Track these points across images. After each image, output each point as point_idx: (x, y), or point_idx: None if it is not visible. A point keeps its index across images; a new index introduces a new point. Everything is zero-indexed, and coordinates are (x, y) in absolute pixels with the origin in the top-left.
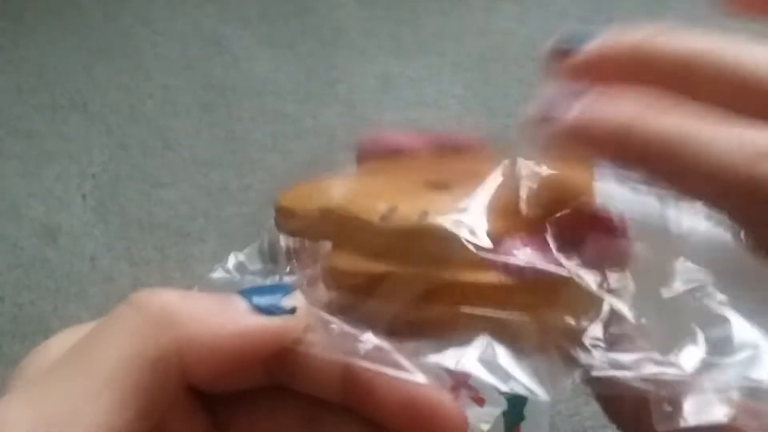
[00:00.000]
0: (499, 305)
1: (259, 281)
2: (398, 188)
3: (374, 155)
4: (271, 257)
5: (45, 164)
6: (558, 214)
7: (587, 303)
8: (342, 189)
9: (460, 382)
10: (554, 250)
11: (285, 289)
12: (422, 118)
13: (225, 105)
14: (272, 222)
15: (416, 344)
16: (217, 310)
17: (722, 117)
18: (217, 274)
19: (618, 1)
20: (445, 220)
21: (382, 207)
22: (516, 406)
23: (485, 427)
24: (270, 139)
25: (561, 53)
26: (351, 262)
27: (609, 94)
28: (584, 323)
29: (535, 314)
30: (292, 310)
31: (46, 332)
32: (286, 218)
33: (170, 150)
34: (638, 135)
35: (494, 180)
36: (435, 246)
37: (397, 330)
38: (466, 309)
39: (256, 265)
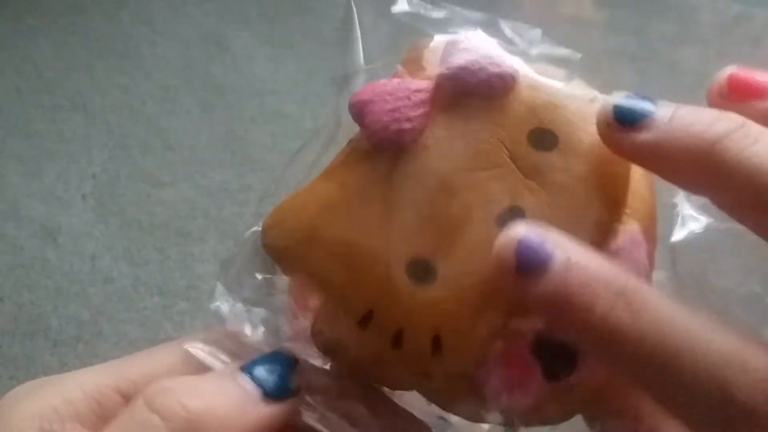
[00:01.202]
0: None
1: (252, 302)
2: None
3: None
4: (265, 267)
5: (45, 164)
6: None
7: None
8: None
9: None
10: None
11: (287, 362)
12: None
13: (225, 105)
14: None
15: None
16: (235, 409)
17: None
18: (221, 305)
19: (618, 0)
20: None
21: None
22: None
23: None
24: (270, 139)
25: (621, 124)
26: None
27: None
28: None
29: None
30: (298, 389)
31: (46, 332)
32: (269, 242)
33: (170, 150)
34: (728, 158)
35: None
36: None
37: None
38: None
39: (253, 280)
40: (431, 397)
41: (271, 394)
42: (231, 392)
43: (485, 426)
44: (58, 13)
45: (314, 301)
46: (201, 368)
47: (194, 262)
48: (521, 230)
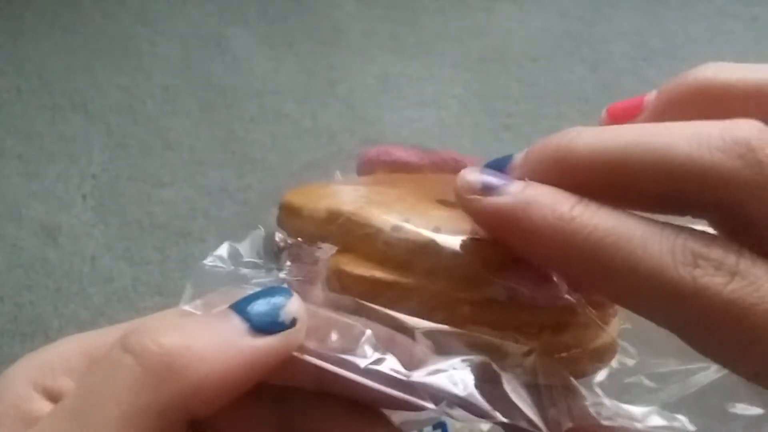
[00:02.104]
0: (502, 327)
1: (251, 275)
2: (410, 202)
3: (378, 167)
4: (266, 252)
5: (45, 164)
6: None
7: (593, 337)
8: (352, 195)
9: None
10: (558, 282)
11: (281, 293)
12: (422, 118)
13: (225, 105)
14: (272, 219)
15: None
16: (217, 344)
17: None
18: (210, 261)
19: (618, 1)
20: (457, 240)
21: (394, 218)
22: None
23: (485, 426)
24: (270, 139)
25: (486, 188)
26: (359, 267)
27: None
28: (595, 365)
29: (542, 340)
30: (293, 323)
31: (46, 332)
32: (290, 216)
33: (170, 150)
34: (569, 232)
35: None
36: (444, 262)
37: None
38: (472, 328)
39: (251, 258)
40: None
41: (259, 327)
42: (214, 327)
43: (485, 427)
44: (58, 13)
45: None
46: None
47: (194, 262)
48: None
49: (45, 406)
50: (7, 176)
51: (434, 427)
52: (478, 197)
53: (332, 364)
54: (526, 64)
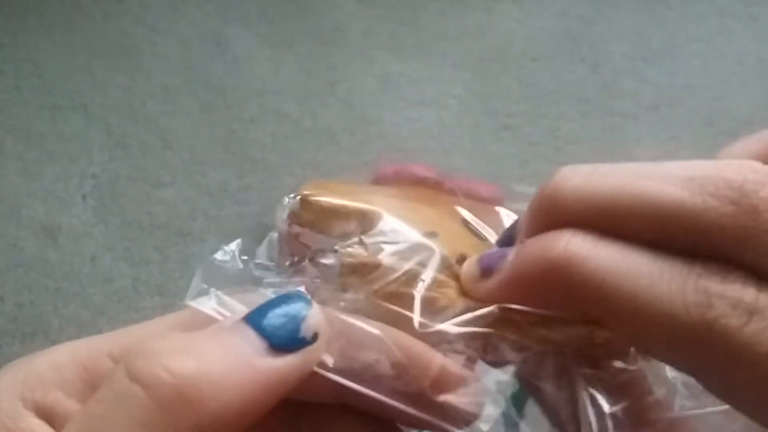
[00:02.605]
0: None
1: (263, 275)
2: (437, 216)
3: (396, 181)
4: (281, 254)
5: (45, 164)
6: None
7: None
8: (378, 196)
9: None
10: None
11: (298, 301)
12: (422, 118)
13: (225, 105)
14: (284, 217)
15: None
16: (233, 368)
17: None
18: (221, 256)
19: (618, 1)
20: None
21: (422, 227)
22: (516, 406)
23: (485, 426)
24: (270, 139)
25: (484, 272)
26: (326, 195)
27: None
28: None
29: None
30: (314, 338)
31: (46, 332)
32: (309, 208)
33: (170, 150)
34: (571, 272)
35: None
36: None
37: None
38: (506, 332)
39: (263, 261)
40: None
41: (279, 345)
42: (229, 347)
43: (485, 427)
44: (58, 13)
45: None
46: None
47: (194, 262)
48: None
49: (36, 425)
50: (7, 176)
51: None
52: (479, 284)
53: (353, 380)
54: (526, 64)
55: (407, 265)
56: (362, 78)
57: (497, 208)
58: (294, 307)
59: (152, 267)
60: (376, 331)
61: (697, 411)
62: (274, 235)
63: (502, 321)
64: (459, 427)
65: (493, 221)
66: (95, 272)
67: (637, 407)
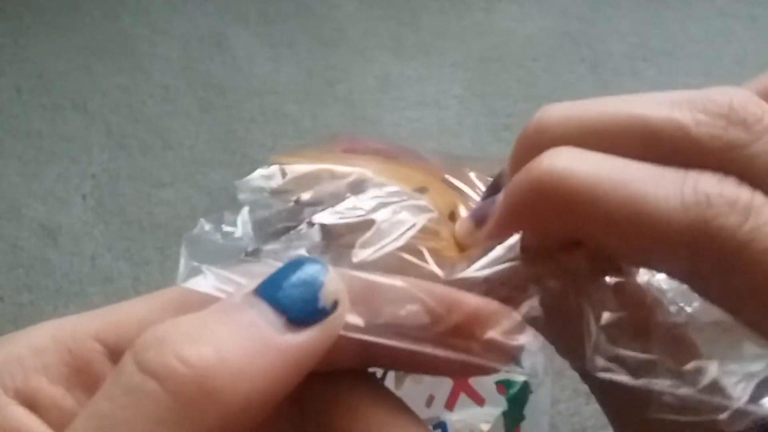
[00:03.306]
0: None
1: (256, 246)
2: (419, 174)
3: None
4: (268, 224)
5: (45, 164)
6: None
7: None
8: (357, 160)
9: (461, 385)
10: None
11: (313, 266)
12: (422, 118)
13: (225, 105)
14: (261, 186)
15: None
16: (254, 351)
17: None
18: (200, 230)
19: (618, 1)
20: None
21: (409, 184)
22: (516, 405)
23: (485, 427)
24: (270, 139)
25: (478, 221)
26: (302, 160)
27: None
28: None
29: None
30: (334, 306)
31: None
32: (289, 176)
33: (170, 150)
34: (561, 185)
35: None
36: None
37: None
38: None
39: (248, 231)
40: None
41: (299, 319)
42: (245, 328)
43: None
44: (58, 13)
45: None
46: (207, 304)
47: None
48: None
49: (22, 414)
50: (7, 176)
51: (434, 428)
52: (476, 235)
53: (388, 337)
54: (526, 64)
55: (406, 221)
56: (362, 78)
57: (470, 173)
58: (309, 273)
59: (152, 267)
60: (400, 283)
61: (695, 317)
62: (246, 210)
63: (516, 261)
64: (506, 363)
65: (468, 183)
66: (95, 272)
67: (636, 317)
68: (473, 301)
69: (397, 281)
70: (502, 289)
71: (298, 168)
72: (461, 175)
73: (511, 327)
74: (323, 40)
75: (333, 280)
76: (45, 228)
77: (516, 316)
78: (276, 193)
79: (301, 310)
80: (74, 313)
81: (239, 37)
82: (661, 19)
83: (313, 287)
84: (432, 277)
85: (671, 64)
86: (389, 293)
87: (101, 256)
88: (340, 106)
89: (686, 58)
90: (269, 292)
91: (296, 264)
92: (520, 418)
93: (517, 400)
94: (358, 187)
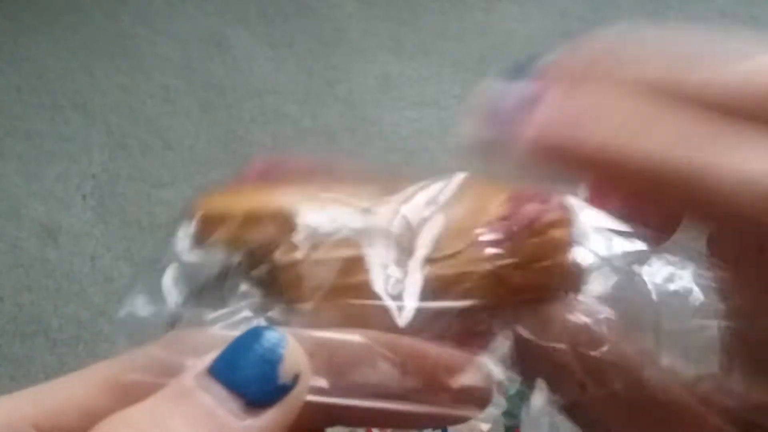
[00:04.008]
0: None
1: (195, 313)
2: (357, 190)
3: (264, 176)
4: (199, 284)
5: (45, 164)
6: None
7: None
8: (282, 192)
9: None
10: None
11: (268, 337)
12: (422, 118)
13: (225, 105)
14: (186, 246)
15: None
16: None
17: (716, 128)
18: (130, 309)
19: (618, 1)
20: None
21: (350, 206)
22: (516, 406)
23: (485, 427)
24: (270, 139)
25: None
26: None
27: (576, 97)
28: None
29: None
30: (295, 380)
31: (46, 332)
32: (213, 226)
33: (170, 150)
34: (625, 158)
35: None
36: None
37: None
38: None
39: (176, 295)
40: None
41: (257, 400)
42: (201, 417)
43: (485, 427)
44: (58, 12)
45: None
46: (144, 384)
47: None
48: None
49: None
50: (7, 176)
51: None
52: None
53: (346, 396)
54: None
55: (348, 253)
56: (362, 78)
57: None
58: (266, 348)
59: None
60: (360, 339)
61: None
62: (173, 270)
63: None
64: (478, 409)
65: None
66: (95, 272)
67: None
68: (438, 351)
69: (356, 337)
70: (471, 322)
71: (221, 215)
72: (400, 186)
73: (480, 371)
74: (323, 40)
75: (293, 352)
76: (45, 228)
77: (483, 359)
78: (200, 246)
79: (260, 390)
80: (74, 313)
81: (239, 37)
82: (661, 19)
83: (271, 363)
84: (391, 319)
85: None
86: (351, 351)
87: (101, 256)
88: (340, 106)
89: None
90: (224, 372)
91: (251, 337)
92: (520, 418)
93: (517, 401)
94: (287, 226)
